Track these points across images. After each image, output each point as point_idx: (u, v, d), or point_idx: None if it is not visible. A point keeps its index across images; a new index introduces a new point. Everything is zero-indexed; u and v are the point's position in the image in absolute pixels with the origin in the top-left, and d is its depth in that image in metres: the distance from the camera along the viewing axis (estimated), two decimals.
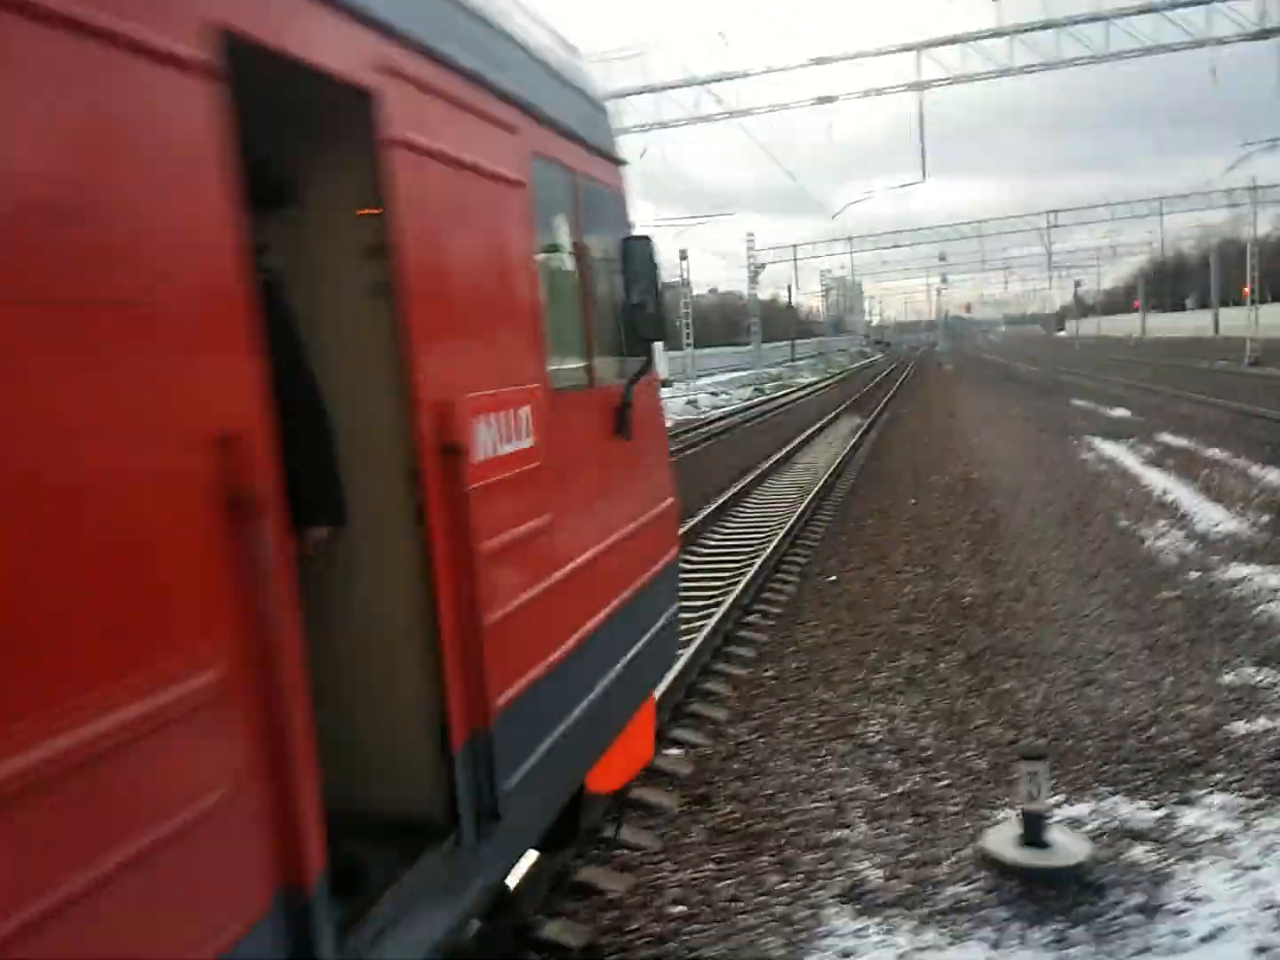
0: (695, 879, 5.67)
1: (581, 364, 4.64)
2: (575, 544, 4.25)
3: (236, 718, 2.21)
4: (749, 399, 50.12)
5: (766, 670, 9.22)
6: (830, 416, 35.27)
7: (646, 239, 5.12)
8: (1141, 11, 28.44)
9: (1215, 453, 20.64)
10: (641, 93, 31.02)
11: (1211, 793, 6.25)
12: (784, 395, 52.96)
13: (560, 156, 4.46)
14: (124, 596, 1.94)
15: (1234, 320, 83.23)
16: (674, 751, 7.36)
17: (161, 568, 2.03)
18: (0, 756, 1.65)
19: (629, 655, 4.92)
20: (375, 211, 3.02)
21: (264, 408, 2.36)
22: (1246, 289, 55.15)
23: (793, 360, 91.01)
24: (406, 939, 2.92)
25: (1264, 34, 28.05)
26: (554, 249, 4.49)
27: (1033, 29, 29.94)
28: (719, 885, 5.58)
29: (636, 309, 4.98)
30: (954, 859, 5.66)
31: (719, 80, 31.18)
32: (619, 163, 5.50)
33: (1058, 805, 6.08)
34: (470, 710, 3.25)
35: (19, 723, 1.70)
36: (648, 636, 5.27)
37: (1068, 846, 5.32)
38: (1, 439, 1.70)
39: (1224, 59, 29.36)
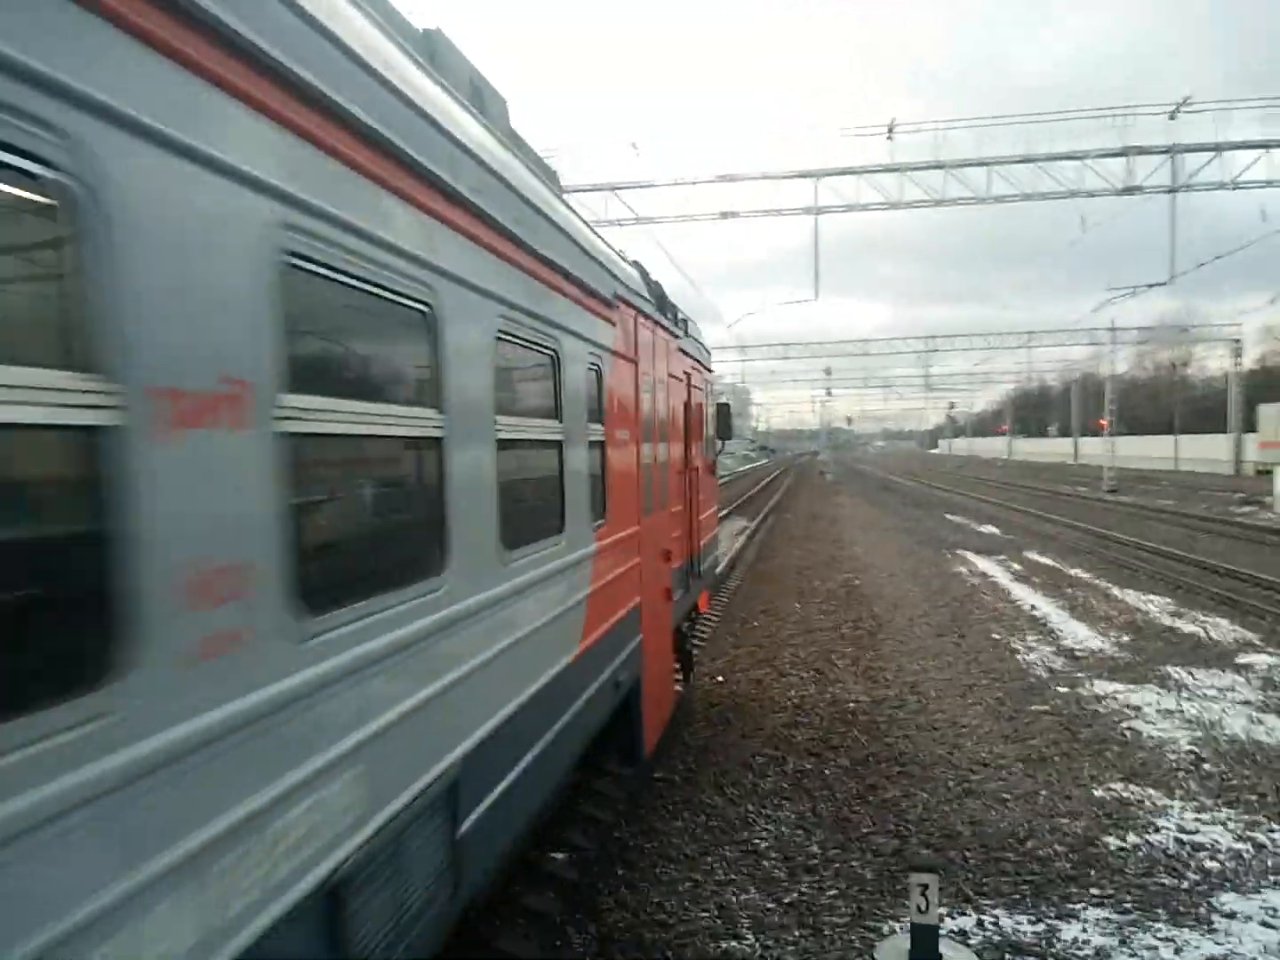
0: None
1: (707, 447, 12.52)
2: (704, 506, 12.04)
3: (682, 517, 10.21)
4: None
5: (655, 771, 9.08)
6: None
7: (727, 403, 14.35)
8: (1021, 161, 30.90)
9: (1078, 572, 21.73)
10: None
11: (1088, 907, 6.39)
12: None
13: (706, 375, 12.65)
14: (679, 486, 10.04)
15: (1092, 449, 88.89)
16: (559, 855, 7.12)
17: (680, 482, 10.11)
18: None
19: (708, 560, 12.60)
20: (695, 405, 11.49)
21: (689, 454, 10.87)
22: (1103, 420, 59.00)
23: None
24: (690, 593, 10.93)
25: (1128, 191, 30.80)
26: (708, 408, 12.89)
27: (922, 168, 32.13)
28: None
29: (720, 428, 13.69)
30: None
31: (628, 187, 32.25)
32: (711, 370, 13.70)
33: (943, 917, 6.10)
34: (691, 545, 10.75)
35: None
36: (711, 558, 13.14)
37: None
38: (674, 460, 9.70)
39: (1093, 210, 31.94)
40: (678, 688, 10.82)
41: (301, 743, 2.73)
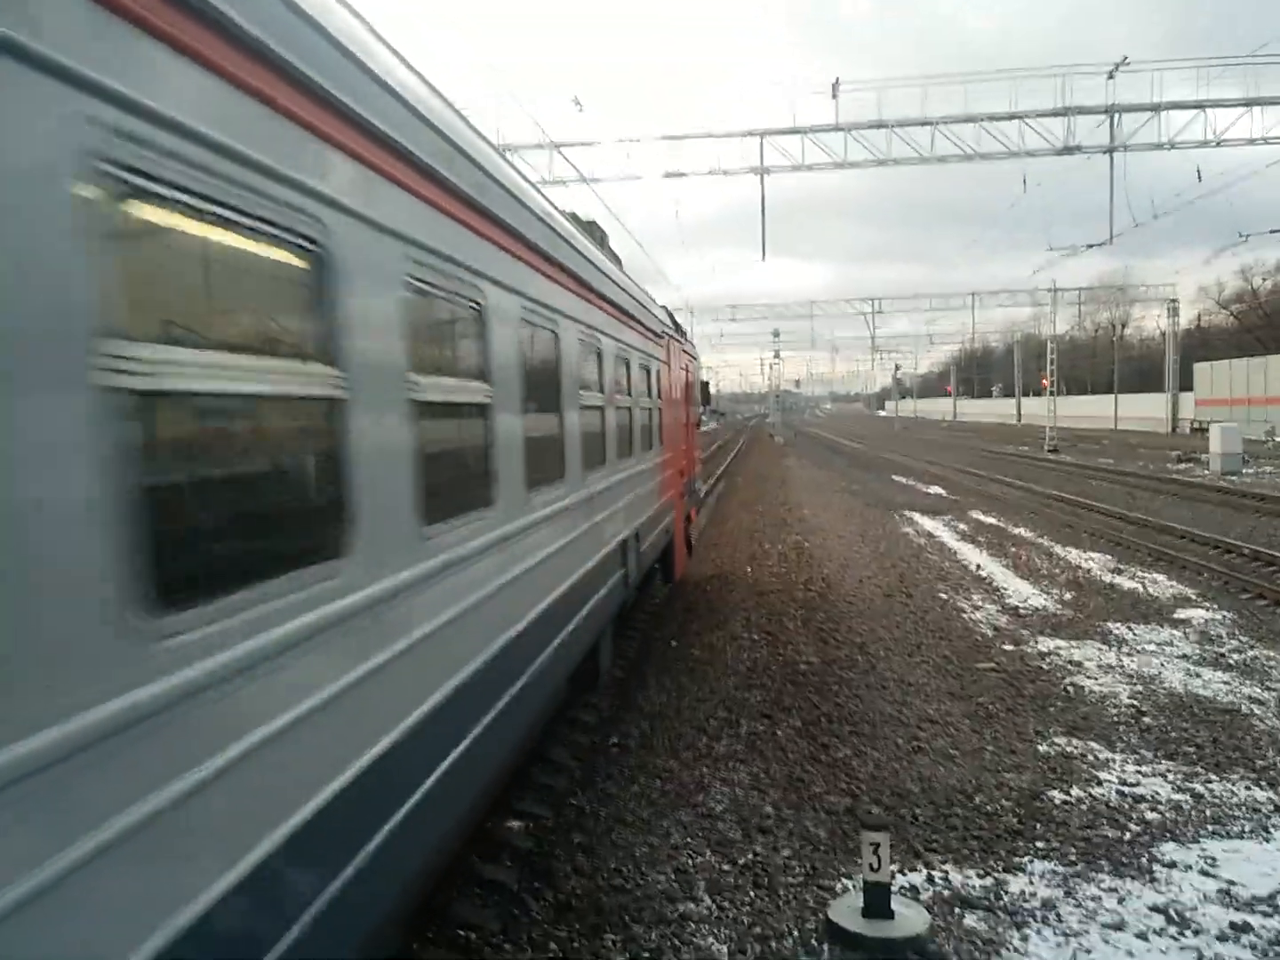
0: None
1: (695, 409, 19.64)
2: (694, 448, 19.15)
3: (685, 453, 16.41)
4: None
5: (610, 737, 9.11)
6: None
7: (707, 381, 25.34)
8: (963, 120, 31.02)
9: (1021, 531, 22.17)
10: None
11: (1034, 860, 6.54)
12: None
13: (695, 362, 20.23)
14: (683, 434, 16.40)
15: (1034, 409, 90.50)
16: (516, 824, 7.11)
17: (683, 432, 16.27)
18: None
19: (696, 484, 20.07)
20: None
21: (689, 414, 17.79)
22: (1046, 380, 59.99)
23: None
24: (690, 501, 17.90)
25: (1068, 150, 31.11)
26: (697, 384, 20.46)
27: (866, 127, 32.13)
28: None
29: (702, 397, 22.45)
30: (799, 931, 5.68)
31: (572, 145, 31.79)
32: (697, 359, 21.75)
33: (895, 874, 6.20)
34: (690, 471, 17.38)
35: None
36: (696, 483, 20.27)
37: (908, 917, 5.42)
38: (680, 418, 16.03)
39: (1034, 170, 32.28)
40: (688, 554, 17.45)
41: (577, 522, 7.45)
